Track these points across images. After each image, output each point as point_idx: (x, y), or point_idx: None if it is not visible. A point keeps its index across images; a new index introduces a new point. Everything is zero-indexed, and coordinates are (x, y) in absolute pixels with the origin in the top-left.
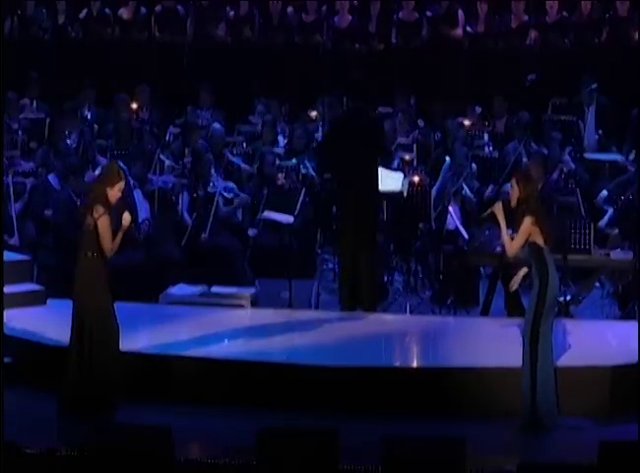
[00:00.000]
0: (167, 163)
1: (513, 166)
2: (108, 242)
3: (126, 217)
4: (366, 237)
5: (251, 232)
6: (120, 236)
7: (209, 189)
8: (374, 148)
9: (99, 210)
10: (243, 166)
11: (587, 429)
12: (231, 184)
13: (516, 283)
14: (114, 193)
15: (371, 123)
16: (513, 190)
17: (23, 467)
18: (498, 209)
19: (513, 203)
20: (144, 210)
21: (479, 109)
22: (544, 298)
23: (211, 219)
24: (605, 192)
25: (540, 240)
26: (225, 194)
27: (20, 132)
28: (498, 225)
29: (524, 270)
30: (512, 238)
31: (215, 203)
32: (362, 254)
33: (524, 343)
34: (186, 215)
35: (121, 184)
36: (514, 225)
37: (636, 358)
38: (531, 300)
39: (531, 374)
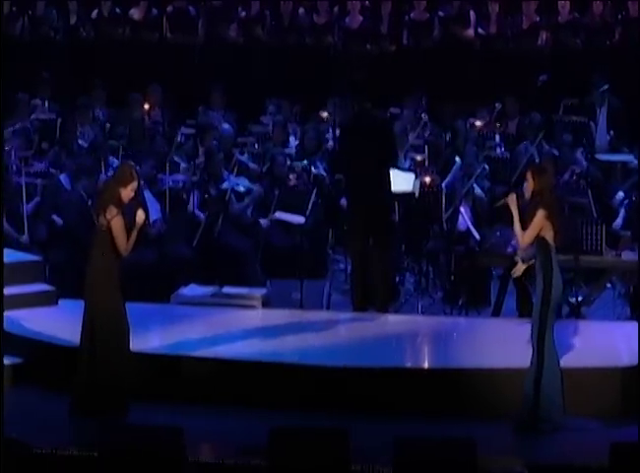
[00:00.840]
0: (183, 165)
1: (525, 166)
2: (123, 243)
3: (140, 214)
4: (378, 238)
5: (263, 222)
6: (135, 234)
7: (222, 186)
8: (384, 149)
9: (113, 211)
10: (252, 165)
11: (595, 430)
12: (244, 180)
13: (518, 270)
14: (127, 193)
15: (381, 124)
16: (528, 183)
17: (33, 467)
18: (512, 200)
19: (527, 195)
20: (154, 210)
21: (499, 106)
22: (549, 296)
23: (222, 218)
24: (621, 194)
25: (549, 236)
26: (238, 187)
27: (31, 133)
28: (511, 219)
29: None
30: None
31: (227, 199)
32: (374, 255)
33: (533, 343)
34: (198, 215)
35: (134, 184)
36: (527, 219)
37: None
38: (536, 300)
39: (535, 374)
